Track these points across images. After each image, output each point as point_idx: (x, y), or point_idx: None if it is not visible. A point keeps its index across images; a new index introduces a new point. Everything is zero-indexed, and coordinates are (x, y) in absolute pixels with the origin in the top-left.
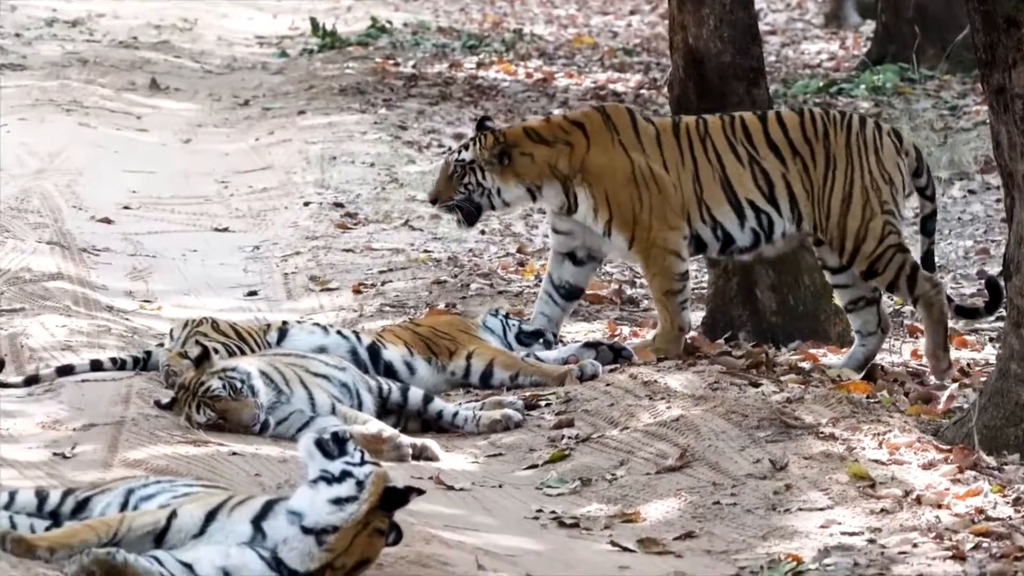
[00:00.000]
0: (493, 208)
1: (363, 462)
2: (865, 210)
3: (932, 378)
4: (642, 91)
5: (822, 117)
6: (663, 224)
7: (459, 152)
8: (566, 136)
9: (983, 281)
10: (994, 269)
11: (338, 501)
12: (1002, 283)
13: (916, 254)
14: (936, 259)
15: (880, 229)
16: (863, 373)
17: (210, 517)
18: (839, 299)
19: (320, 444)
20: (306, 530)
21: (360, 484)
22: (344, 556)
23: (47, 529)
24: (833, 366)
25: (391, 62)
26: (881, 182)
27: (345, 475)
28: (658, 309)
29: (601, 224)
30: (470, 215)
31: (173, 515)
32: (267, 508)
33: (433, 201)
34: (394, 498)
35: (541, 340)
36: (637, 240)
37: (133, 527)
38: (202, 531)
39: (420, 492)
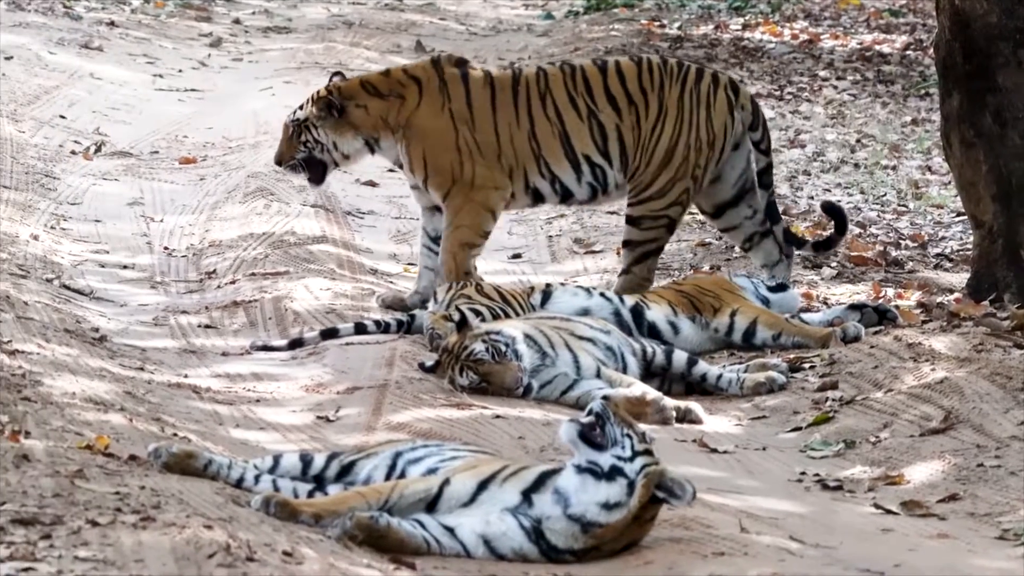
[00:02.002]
0: (336, 164)
1: (634, 455)
2: (679, 169)
3: None
4: (908, 52)
5: (659, 67)
6: (488, 183)
7: (295, 112)
8: (401, 89)
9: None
10: None
11: (607, 505)
12: (840, 207)
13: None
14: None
15: (677, 194)
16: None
17: (482, 486)
18: (734, 241)
19: (584, 436)
20: (571, 518)
21: (631, 486)
22: (611, 543)
23: (310, 493)
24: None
25: (656, 23)
26: (704, 143)
27: (615, 473)
28: (444, 257)
29: (419, 179)
30: (316, 172)
31: (446, 483)
32: (539, 481)
33: (278, 163)
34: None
35: (789, 288)
36: (453, 195)
37: (405, 495)
38: (472, 499)
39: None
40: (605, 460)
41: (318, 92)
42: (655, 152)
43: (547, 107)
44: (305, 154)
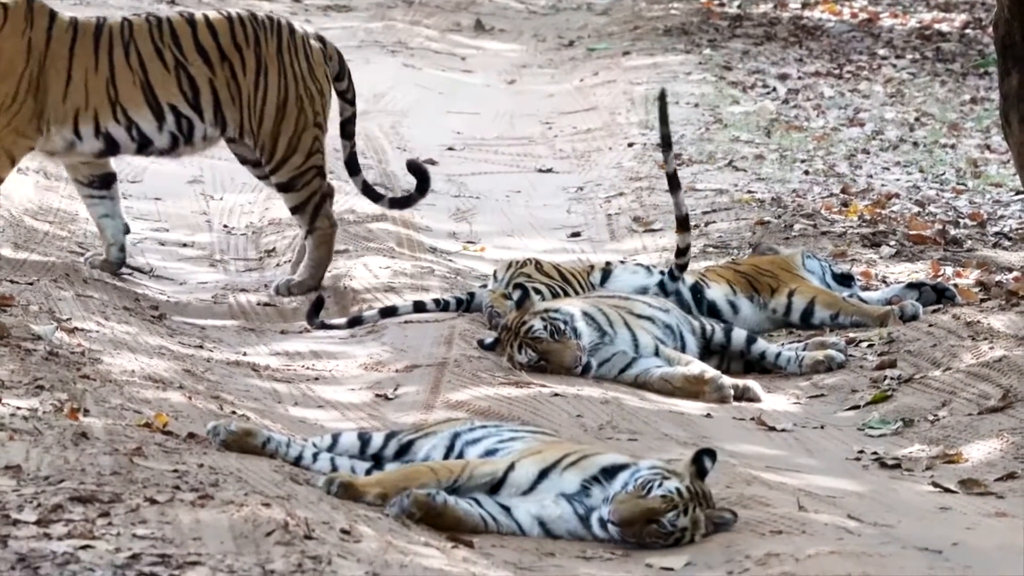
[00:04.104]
0: None
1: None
2: (299, 121)
3: None
4: (967, 31)
5: (251, 22)
6: (16, 130)
7: None
8: None
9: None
10: None
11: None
12: (425, 165)
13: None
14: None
15: (310, 144)
16: None
17: (543, 475)
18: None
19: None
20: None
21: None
22: None
23: (368, 472)
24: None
25: (716, 2)
26: (315, 91)
27: None
28: None
29: None
30: None
31: (511, 468)
32: (602, 474)
33: None
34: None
35: (853, 283)
36: None
37: (474, 475)
38: (532, 488)
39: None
40: None
41: None
42: (265, 110)
43: (130, 56)
44: None
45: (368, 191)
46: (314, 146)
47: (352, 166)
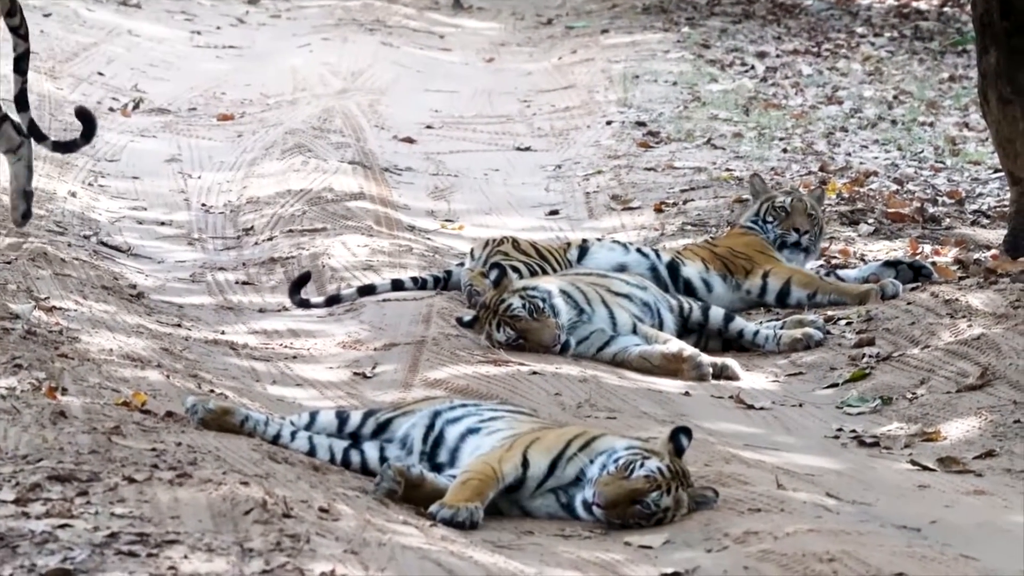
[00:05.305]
0: None
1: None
2: None
3: None
4: (945, 8)
5: None
6: None
7: None
8: None
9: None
10: None
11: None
12: (92, 113)
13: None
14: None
15: None
16: None
17: (552, 468)
18: None
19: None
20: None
21: None
22: None
23: (346, 450)
24: None
25: None
26: None
27: None
28: None
29: None
30: None
31: (526, 464)
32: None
33: None
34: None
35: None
36: None
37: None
38: (540, 485)
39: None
40: None
41: None
42: None
43: None
44: None
45: (33, 130)
46: None
47: (21, 102)
